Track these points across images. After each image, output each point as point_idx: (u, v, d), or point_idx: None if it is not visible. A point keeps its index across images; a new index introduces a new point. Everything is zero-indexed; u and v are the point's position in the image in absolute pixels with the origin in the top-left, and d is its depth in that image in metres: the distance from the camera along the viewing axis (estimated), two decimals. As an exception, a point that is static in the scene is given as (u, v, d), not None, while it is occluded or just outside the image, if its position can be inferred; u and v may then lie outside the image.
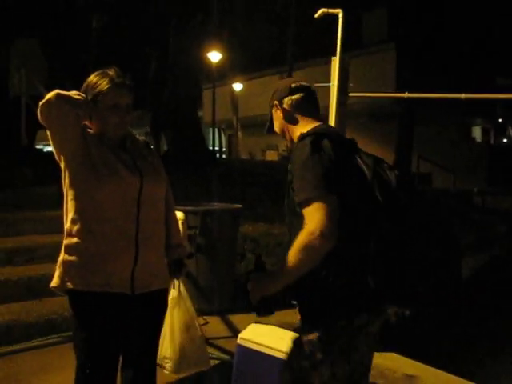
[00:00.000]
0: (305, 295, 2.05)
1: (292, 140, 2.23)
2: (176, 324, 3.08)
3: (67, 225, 2.30)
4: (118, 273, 2.27)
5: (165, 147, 16.31)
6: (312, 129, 2.11)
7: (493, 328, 6.62)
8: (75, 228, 2.27)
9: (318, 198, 1.86)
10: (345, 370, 2.02)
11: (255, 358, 2.99)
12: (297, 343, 2.09)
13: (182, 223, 4.07)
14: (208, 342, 4.41)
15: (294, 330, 2.27)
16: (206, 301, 5.15)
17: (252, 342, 3.04)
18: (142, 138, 2.62)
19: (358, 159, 2.03)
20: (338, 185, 1.89)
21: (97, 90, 2.28)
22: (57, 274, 2.30)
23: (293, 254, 1.87)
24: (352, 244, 1.92)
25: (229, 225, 5.37)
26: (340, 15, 4.16)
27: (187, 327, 3.14)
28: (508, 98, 3.99)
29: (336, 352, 2.00)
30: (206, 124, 26.74)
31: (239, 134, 27.90)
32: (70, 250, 2.28)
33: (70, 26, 15.21)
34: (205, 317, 4.97)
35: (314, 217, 1.84)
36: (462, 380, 3.89)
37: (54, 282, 2.30)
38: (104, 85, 2.28)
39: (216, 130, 25.63)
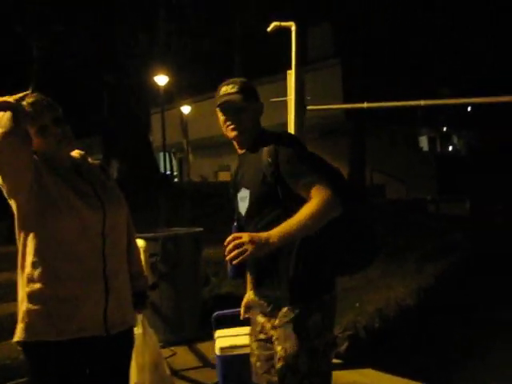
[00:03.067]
0: (301, 275, 2.20)
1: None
2: (145, 364, 2.87)
3: (27, 270, 2.06)
4: (90, 315, 2.08)
5: (115, 173, 16.07)
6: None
7: (462, 335, 6.64)
8: (37, 272, 2.04)
9: (323, 180, 2.13)
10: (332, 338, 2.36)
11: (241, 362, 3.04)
12: (300, 329, 2.18)
13: (144, 251, 3.88)
14: (177, 374, 4.23)
15: (283, 319, 2.23)
16: (172, 330, 4.96)
17: (232, 347, 3.06)
18: (96, 161, 2.43)
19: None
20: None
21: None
22: (21, 326, 2.05)
23: (311, 214, 2.05)
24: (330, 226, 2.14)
25: (191, 249, 5.20)
26: (293, 28, 4.09)
27: (156, 366, 2.94)
28: (466, 102, 4.00)
29: (329, 326, 2.28)
30: (155, 148, 26.45)
31: (190, 156, 27.73)
32: (33, 297, 2.04)
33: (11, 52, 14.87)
34: (172, 348, 4.78)
35: (326, 191, 2.10)
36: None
37: (19, 336, 2.05)
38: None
39: (166, 153, 25.37)
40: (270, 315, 2.29)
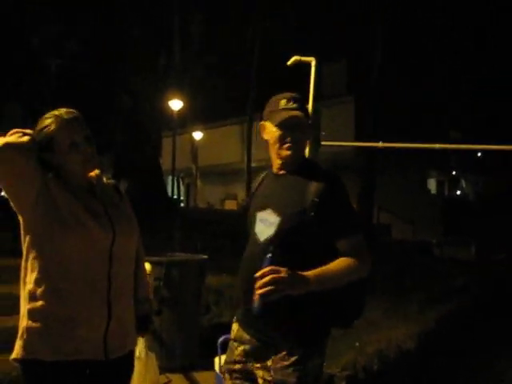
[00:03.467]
0: (310, 317, 2.13)
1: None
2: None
3: (30, 286, 2.02)
4: (89, 337, 2.03)
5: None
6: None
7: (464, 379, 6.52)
8: (40, 290, 2.00)
9: (364, 240, 2.10)
10: None
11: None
12: (300, 373, 2.09)
13: (150, 275, 3.85)
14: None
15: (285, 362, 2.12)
16: (169, 357, 4.88)
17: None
18: (110, 181, 2.42)
19: None
20: None
21: (48, 135, 2.05)
22: (20, 343, 2.01)
23: (350, 272, 2.04)
24: None
25: (195, 276, 5.15)
26: (313, 63, 4.11)
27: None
28: (480, 148, 3.99)
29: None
30: (164, 172, 26.56)
31: (198, 182, 27.81)
32: (34, 315, 2.01)
33: (27, 70, 15.06)
34: (167, 374, 4.70)
35: (369, 257, 2.09)
36: None
37: (17, 353, 2.01)
38: (53, 126, 2.06)
39: (175, 178, 25.47)
40: (260, 355, 2.18)
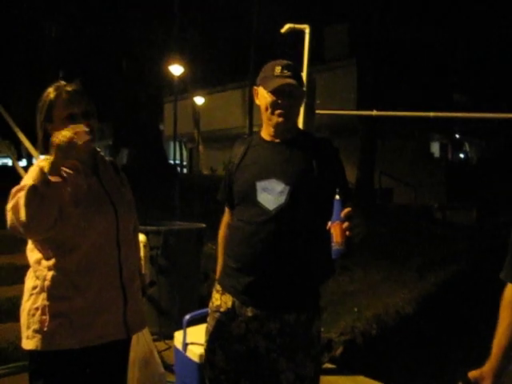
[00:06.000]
0: (310, 283, 2.25)
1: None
2: (135, 360, 2.87)
3: (46, 283, 2.05)
4: (110, 322, 2.12)
5: (124, 160, 16.12)
6: None
7: (460, 343, 6.60)
8: (57, 285, 2.05)
9: None
10: None
11: (182, 360, 3.13)
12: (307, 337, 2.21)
13: (144, 246, 3.89)
14: (170, 368, 4.23)
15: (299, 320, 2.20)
16: (168, 324, 4.95)
17: (180, 343, 3.07)
18: (108, 158, 2.42)
19: None
20: None
21: (47, 105, 2.09)
22: (38, 336, 2.05)
23: None
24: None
25: (192, 245, 5.19)
26: (307, 31, 4.07)
27: (146, 363, 2.94)
28: (471, 116, 3.96)
29: None
30: (167, 137, 26.50)
31: (200, 147, 27.74)
32: (54, 310, 2.05)
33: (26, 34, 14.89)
34: (167, 341, 4.77)
35: None
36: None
37: (36, 345, 2.05)
38: (53, 96, 2.09)
39: (177, 143, 25.42)
40: (263, 327, 2.20)
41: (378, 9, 17.13)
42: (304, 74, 4.12)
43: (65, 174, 2.02)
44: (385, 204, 17.34)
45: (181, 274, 5.04)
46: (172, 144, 25.79)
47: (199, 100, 25.38)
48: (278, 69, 2.20)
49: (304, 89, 2.29)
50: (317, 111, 4.20)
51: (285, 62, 2.24)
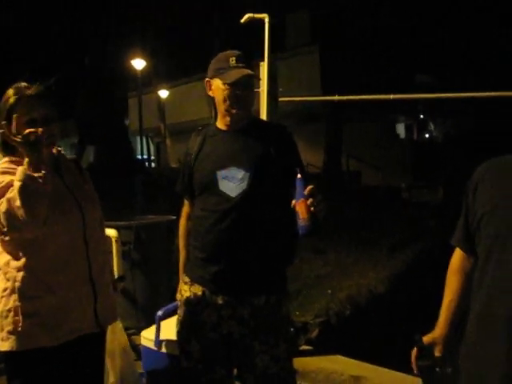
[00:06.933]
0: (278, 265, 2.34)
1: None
2: (114, 350, 2.93)
3: (17, 284, 2.07)
4: (81, 317, 2.15)
5: (91, 158, 15.99)
6: None
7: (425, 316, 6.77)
8: (28, 286, 2.07)
9: None
10: None
11: (152, 356, 3.06)
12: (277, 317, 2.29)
13: (116, 241, 3.91)
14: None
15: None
16: (145, 317, 4.98)
17: (148, 339, 3.06)
18: (70, 156, 2.45)
19: None
20: None
21: (7, 108, 2.05)
22: (12, 337, 2.06)
23: None
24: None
25: (164, 238, 5.22)
26: (266, 20, 4.11)
27: (124, 351, 3.00)
28: (432, 97, 4.08)
29: None
30: (133, 132, 26.26)
31: (167, 141, 27.57)
32: (26, 310, 2.07)
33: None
34: (144, 334, 4.82)
35: None
36: (407, 376, 3.93)
37: (11, 346, 2.06)
38: (13, 101, 2.05)
39: (144, 138, 25.22)
40: (236, 312, 2.25)
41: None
42: (265, 63, 4.17)
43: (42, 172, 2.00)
44: (353, 186, 17.53)
45: (154, 267, 5.07)
46: (138, 139, 25.60)
47: (163, 93, 25.20)
48: (232, 60, 2.23)
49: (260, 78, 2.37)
50: (280, 99, 4.25)
51: (237, 52, 2.28)
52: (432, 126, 33.77)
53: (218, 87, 2.28)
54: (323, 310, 6.12)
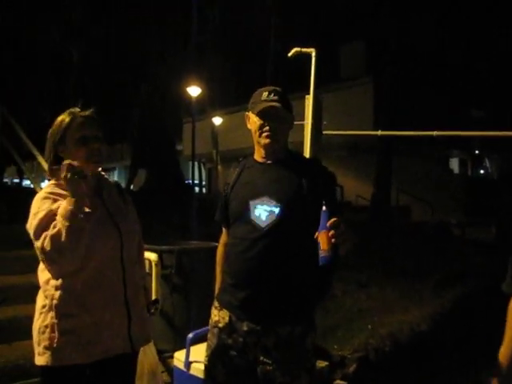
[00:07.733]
0: (305, 297, 2.34)
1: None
2: (143, 373, 2.99)
3: (55, 302, 2.18)
4: (114, 337, 2.23)
5: (142, 181, 16.32)
6: None
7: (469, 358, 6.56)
8: (66, 305, 2.18)
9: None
10: None
11: (183, 378, 3.16)
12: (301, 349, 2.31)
13: (156, 264, 4.01)
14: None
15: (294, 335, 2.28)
16: (182, 341, 5.04)
17: (180, 360, 3.09)
18: (113, 179, 2.56)
19: None
20: None
21: (62, 127, 2.23)
22: (48, 353, 2.17)
23: None
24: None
25: (205, 263, 5.28)
26: (313, 54, 4.17)
27: (153, 374, 3.06)
28: (477, 135, 4.02)
29: None
30: (185, 157, 26.71)
31: (219, 167, 27.91)
32: (63, 327, 2.18)
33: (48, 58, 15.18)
34: (181, 358, 4.86)
35: None
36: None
37: (46, 361, 2.17)
38: (68, 120, 2.23)
39: (196, 163, 25.62)
40: (260, 341, 2.28)
41: (394, 26, 17.19)
42: (311, 96, 4.23)
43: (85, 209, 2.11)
44: (401, 221, 17.22)
45: (194, 292, 5.14)
46: (191, 164, 26.02)
47: (217, 120, 25.60)
48: (265, 94, 2.36)
49: (292, 114, 2.44)
50: (324, 132, 4.28)
51: (272, 87, 2.40)
52: (487, 162, 32.99)
53: (252, 120, 2.40)
54: (362, 345, 6.00)
